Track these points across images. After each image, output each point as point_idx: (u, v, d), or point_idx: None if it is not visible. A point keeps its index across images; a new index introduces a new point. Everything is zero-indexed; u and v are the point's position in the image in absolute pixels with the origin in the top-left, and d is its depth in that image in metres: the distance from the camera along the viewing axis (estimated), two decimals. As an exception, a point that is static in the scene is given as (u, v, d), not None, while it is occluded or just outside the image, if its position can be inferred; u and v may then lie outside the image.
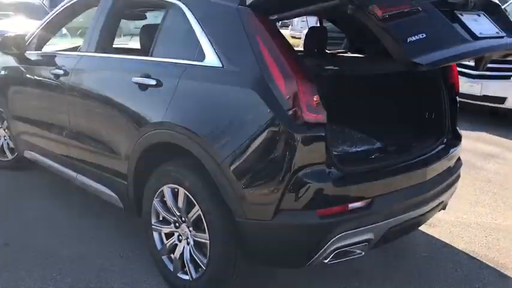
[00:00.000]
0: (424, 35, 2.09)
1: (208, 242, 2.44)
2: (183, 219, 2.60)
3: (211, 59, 2.43)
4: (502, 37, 2.49)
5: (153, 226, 2.79)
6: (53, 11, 3.88)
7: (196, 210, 2.47)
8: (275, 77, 2.17)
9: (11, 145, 4.39)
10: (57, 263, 2.97)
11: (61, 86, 3.40)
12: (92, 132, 3.18)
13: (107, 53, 3.20)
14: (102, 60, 3.18)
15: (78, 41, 4.27)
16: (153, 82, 2.64)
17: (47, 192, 4.06)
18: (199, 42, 2.51)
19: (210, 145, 2.31)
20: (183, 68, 2.55)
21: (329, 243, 2.23)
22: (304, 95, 2.14)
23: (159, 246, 2.78)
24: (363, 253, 2.39)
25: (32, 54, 3.91)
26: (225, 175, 2.26)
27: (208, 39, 2.45)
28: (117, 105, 2.90)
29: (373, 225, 2.34)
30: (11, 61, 4.07)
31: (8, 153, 4.48)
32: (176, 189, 2.59)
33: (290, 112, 2.15)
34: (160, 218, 2.78)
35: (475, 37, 2.32)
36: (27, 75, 3.90)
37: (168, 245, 2.72)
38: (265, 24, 2.27)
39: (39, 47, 3.98)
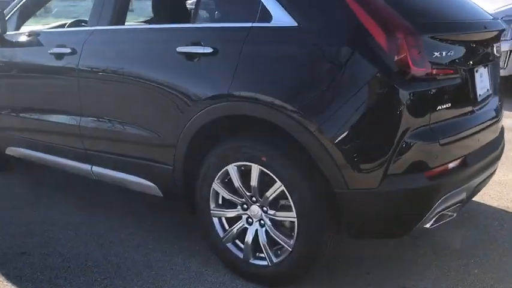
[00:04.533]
0: None
1: (295, 220, 2.22)
2: (255, 199, 2.36)
3: (282, 18, 2.19)
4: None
5: (212, 212, 2.51)
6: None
7: (277, 187, 2.23)
8: (373, 33, 1.99)
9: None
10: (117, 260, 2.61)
11: (67, 67, 2.97)
12: (117, 116, 2.81)
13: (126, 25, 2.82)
14: (125, 32, 2.80)
15: (57, 21, 3.80)
16: (209, 50, 2.35)
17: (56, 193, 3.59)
18: (260, 1, 2.26)
19: (300, 113, 2.08)
20: (244, 32, 2.28)
21: (435, 206, 2.11)
22: (409, 47, 1.98)
23: (221, 233, 2.51)
24: (455, 215, 2.31)
25: (14, 35, 3.39)
26: (322, 144, 2.05)
27: (274, -3, 2.21)
28: (156, 80, 2.56)
29: (467, 184, 2.26)
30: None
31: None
32: (245, 167, 2.33)
33: (395, 68, 1.98)
34: (220, 202, 2.51)
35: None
36: (12, 59, 3.38)
37: (234, 230, 2.47)
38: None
39: (18, 27, 3.47)
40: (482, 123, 2.41)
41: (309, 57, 2.12)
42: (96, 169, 3.03)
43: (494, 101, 2.63)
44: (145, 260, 2.67)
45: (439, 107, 2.11)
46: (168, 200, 2.88)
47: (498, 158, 2.56)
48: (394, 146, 2.00)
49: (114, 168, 2.93)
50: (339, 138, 2.03)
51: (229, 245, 2.50)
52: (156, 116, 2.62)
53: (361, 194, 2.07)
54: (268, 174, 2.25)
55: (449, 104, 2.16)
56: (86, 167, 3.08)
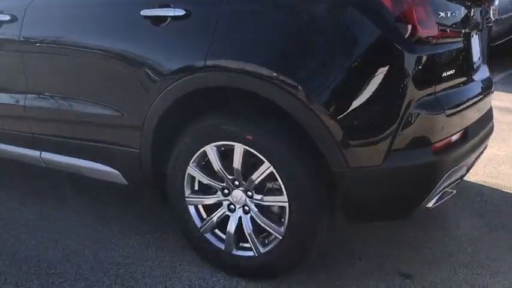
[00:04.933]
0: None
1: (286, 204, 1.97)
2: (237, 183, 2.08)
3: (268, -29, 1.90)
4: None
5: (187, 199, 2.21)
6: None
7: (265, 169, 1.97)
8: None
9: None
10: (75, 258, 2.26)
11: (6, 38, 2.55)
12: (71, 93, 2.42)
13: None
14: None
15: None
16: (180, 12, 2.02)
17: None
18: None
19: (291, 83, 1.80)
20: (222, -9, 1.97)
21: (440, 182, 1.91)
22: (415, 6, 1.74)
23: (198, 223, 2.22)
24: (454, 192, 2.13)
25: None
26: (319, 118, 1.79)
27: None
28: (116, 50, 2.20)
29: (467, 158, 2.08)
30: None
31: None
32: (227, 148, 2.05)
33: (400, 29, 1.75)
34: (197, 188, 2.22)
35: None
36: None
37: (214, 219, 2.18)
38: None
39: None
40: (481, 92, 2.24)
41: (303, 18, 1.84)
42: (46, 155, 2.64)
43: (485, 70, 2.47)
44: (110, 256, 2.34)
45: (444, 74, 1.90)
46: (134, 188, 2.56)
47: (491, 131, 2.41)
48: (400, 118, 1.77)
49: (67, 154, 2.56)
50: (338, 110, 1.78)
51: (208, 235, 2.22)
52: (117, 91, 2.26)
53: (362, 172, 1.84)
54: (254, 154, 1.98)
55: (453, 71, 1.96)
56: (34, 153, 2.68)
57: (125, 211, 2.77)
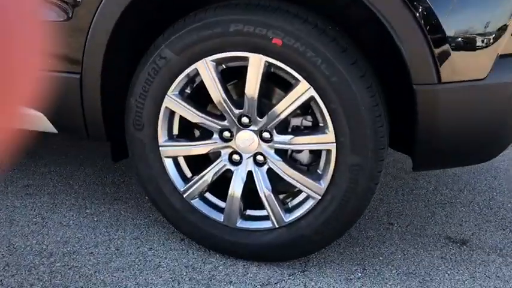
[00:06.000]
0: None
1: (332, 146, 1.29)
2: (248, 120, 1.36)
3: None
4: None
5: (162, 149, 1.44)
6: None
7: (301, 93, 1.26)
8: None
9: None
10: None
11: None
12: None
13: None
14: None
15: None
16: None
17: None
18: None
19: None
20: None
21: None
22: None
23: (179, 184, 1.46)
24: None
25: None
26: (406, 9, 1.13)
27: None
28: None
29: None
30: None
31: None
32: (233, 63, 1.32)
33: None
34: (177, 132, 1.45)
35: None
36: None
37: (205, 177, 1.44)
38: None
39: None
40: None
41: None
42: None
43: None
44: (45, 248, 1.51)
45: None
46: (68, 138, 1.71)
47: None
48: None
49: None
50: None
51: (195, 202, 1.47)
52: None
53: (459, 89, 1.22)
54: (281, 71, 1.28)
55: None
56: None
57: (64, 181, 1.90)
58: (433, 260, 1.55)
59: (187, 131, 1.49)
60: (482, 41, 1.19)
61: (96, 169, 1.97)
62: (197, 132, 1.53)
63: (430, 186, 2.03)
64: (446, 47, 1.17)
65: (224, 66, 1.35)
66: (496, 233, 1.72)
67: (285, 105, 1.30)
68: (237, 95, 1.41)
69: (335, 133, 1.27)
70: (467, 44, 1.19)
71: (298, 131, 1.38)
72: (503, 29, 1.19)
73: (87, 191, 1.81)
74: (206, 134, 1.43)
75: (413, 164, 1.40)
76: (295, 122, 1.39)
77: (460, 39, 1.18)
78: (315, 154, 1.43)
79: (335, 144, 1.29)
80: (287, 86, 1.32)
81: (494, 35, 1.19)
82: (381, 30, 1.20)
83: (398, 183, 2.03)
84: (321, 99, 1.26)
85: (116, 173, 1.94)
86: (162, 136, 1.43)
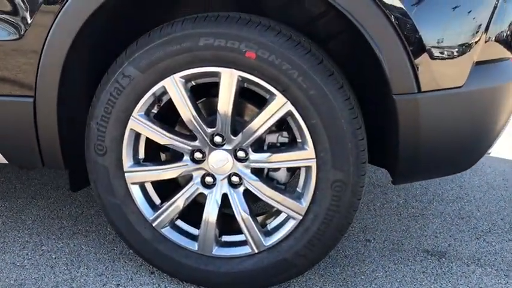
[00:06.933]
0: None
1: (312, 163, 1.23)
2: (221, 139, 1.27)
3: None
4: None
5: (127, 175, 1.33)
6: None
7: (277, 108, 1.20)
8: None
9: None
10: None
11: None
12: None
13: None
14: None
15: None
16: None
17: None
18: None
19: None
20: None
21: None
22: None
23: (148, 212, 1.35)
24: None
25: None
26: (386, 15, 1.10)
27: None
28: None
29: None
30: None
31: None
32: (202, 79, 1.24)
33: None
34: (142, 156, 1.34)
35: None
36: None
37: (176, 203, 1.33)
38: None
39: None
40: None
41: None
42: None
43: None
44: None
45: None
46: (20, 168, 1.56)
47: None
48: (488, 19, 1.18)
49: None
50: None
51: (166, 230, 1.36)
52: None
53: (437, 99, 1.19)
54: (255, 86, 1.21)
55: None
56: None
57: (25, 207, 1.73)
58: (415, 275, 1.51)
59: (155, 155, 1.39)
60: (459, 49, 1.18)
61: (50, 201, 1.82)
62: (164, 156, 1.44)
63: (400, 199, 2.01)
64: (424, 55, 1.14)
65: (194, 83, 1.26)
66: (471, 243, 1.71)
67: (261, 122, 1.23)
68: (208, 113, 1.33)
69: (315, 148, 1.21)
70: (445, 52, 1.17)
71: (275, 148, 1.31)
72: (478, 36, 1.19)
73: (42, 226, 1.66)
74: (176, 156, 1.33)
75: (393, 178, 1.36)
76: (271, 138, 1.32)
77: (437, 47, 1.16)
78: (292, 172, 1.36)
79: (315, 160, 1.22)
80: (261, 102, 1.25)
81: (470, 43, 1.18)
82: (358, 40, 1.16)
83: (369, 198, 2.00)
84: (299, 113, 1.20)
85: (72, 205, 1.80)
86: (127, 161, 1.32)
